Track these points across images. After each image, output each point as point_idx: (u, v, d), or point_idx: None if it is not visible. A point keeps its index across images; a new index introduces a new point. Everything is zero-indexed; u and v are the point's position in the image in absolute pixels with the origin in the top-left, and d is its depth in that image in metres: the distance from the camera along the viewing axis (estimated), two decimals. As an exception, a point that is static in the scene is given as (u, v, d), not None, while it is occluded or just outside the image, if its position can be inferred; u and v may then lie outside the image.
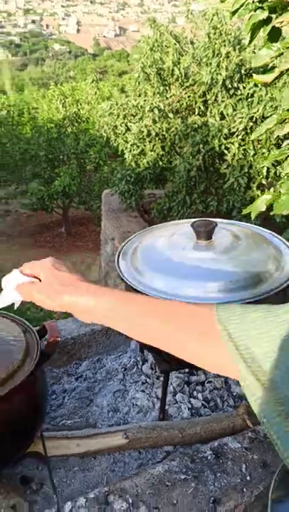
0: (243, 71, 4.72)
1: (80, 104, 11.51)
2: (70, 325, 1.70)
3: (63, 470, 1.30)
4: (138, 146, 5.60)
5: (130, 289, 1.28)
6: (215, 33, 4.79)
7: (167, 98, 5.44)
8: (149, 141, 5.54)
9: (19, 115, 11.65)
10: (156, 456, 1.28)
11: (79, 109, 11.34)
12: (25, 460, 1.24)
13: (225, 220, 1.43)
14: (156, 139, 5.50)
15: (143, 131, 5.43)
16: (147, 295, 1.18)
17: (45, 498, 1.23)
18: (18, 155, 10.73)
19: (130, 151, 5.66)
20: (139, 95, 5.78)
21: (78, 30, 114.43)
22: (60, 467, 1.31)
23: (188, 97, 5.33)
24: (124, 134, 5.87)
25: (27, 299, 0.84)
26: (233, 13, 1.71)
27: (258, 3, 1.60)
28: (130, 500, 1.04)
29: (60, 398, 1.52)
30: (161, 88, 5.48)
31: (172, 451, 1.27)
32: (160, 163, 5.65)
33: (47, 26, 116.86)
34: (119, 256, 1.37)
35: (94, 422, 1.41)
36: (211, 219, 1.31)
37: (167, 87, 5.53)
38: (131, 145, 5.64)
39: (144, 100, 5.38)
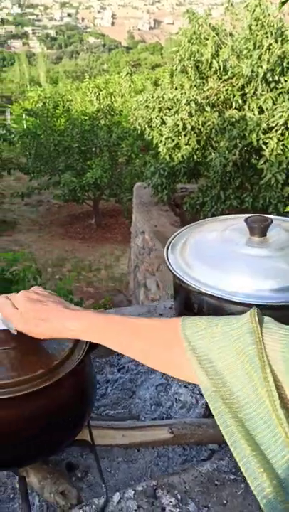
0: (285, 64, 4.60)
1: (114, 97, 11.50)
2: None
3: (107, 460, 1.29)
4: (173, 140, 5.55)
5: (179, 281, 1.26)
6: (257, 25, 4.67)
7: (204, 91, 5.35)
8: (184, 135, 5.48)
9: (54, 107, 11.72)
10: (201, 453, 1.26)
11: (112, 102, 11.33)
12: (70, 447, 1.23)
13: (280, 217, 1.38)
14: (192, 132, 5.44)
15: (178, 125, 5.37)
16: (197, 289, 1.15)
17: (90, 486, 1.22)
18: (52, 146, 10.81)
19: (165, 144, 5.62)
20: (176, 88, 5.72)
21: (113, 23, 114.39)
22: (104, 457, 1.30)
23: (226, 90, 5.24)
24: (159, 127, 5.82)
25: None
26: (283, 3, 1.65)
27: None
28: (179, 497, 1.02)
29: (103, 388, 1.52)
30: (199, 81, 5.40)
31: (217, 449, 1.24)
32: (195, 157, 5.58)
33: (82, 19, 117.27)
34: (168, 249, 1.35)
35: (137, 414, 1.40)
36: (265, 215, 1.27)
37: (205, 80, 5.45)
38: (166, 138, 5.60)
39: (181, 93, 5.32)
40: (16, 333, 0.93)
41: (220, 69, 5.20)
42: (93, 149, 10.75)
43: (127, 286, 8.55)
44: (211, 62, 5.22)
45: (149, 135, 6.14)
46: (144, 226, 6.78)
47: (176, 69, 5.51)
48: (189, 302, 1.27)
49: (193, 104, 5.07)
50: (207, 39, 5.35)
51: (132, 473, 1.25)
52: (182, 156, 5.49)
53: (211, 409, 0.59)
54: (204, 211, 5.49)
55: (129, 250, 8.28)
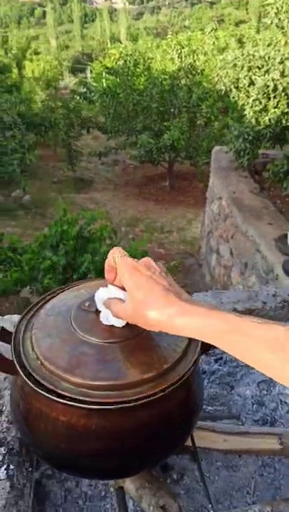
0: None
1: (196, 55, 10.88)
2: (210, 300, 1.52)
3: (205, 462, 1.14)
4: (261, 102, 5.13)
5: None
6: None
7: (301, 49, 4.84)
8: (274, 97, 5.04)
9: (134, 66, 11.34)
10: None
11: (194, 61, 10.73)
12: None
13: None
14: (283, 94, 4.98)
15: (269, 86, 4.94)
16: None
17: (188, 492, 1.08)
18: (131, 106, 10.55)
19: (252, 106, 5.21)
20: (268, 45, 5.21)
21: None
22: (202, 458, 1.15)
23: None
24: (246, 87, 5.39)
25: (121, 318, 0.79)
26: None
27: None
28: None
29: (199, 380, 1.37)
30: (296, 37, 4.87)
31: None
32: (283, 121, 5.13)
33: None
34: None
35: (237, 414, 1.24)
36: None
37: (302, 37, 4.91)
38: (253, 100, 5.18)
39: (275, 50, 4.83)
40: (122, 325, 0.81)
41: None
42: (172, 110, 10.36)
43: (198, 251, 8.36)
44: (311, 16, 4.66)
45: (234, 97, 5.71)
46: (221, 192, 6.48)
47: (271, 23, 4.98)
48: None
49: (287, 63, 4.59)
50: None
51: (234, 482, 1.10)
52: (269, 120, 5.07)
53: None
54: (288, 180, 5.09)
55: (203, 215, 8.03)
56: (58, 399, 0.83)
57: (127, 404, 0.82)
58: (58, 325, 0.94)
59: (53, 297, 1.09)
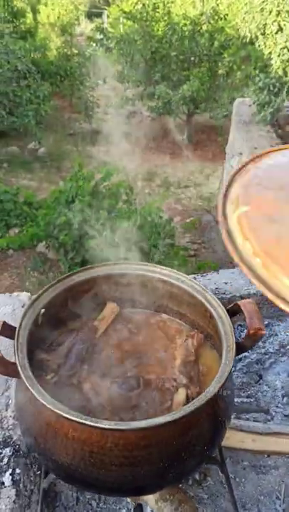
0: None
1: (220, -2, 10.04)
2: (238, 279, 1.34)
3: (231, 461, 1.02)
4: (289, 51, 4.68)
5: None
6: None
7: None
8: (304, 45, 4.59)
9: (153, 10, 10.54)
10: None
11: (217, 4, 9.91)
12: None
13: None
14: (314, 42, 4.53)
15: (299, 32, 4.48)
16: None
17: (212, 496, 0.96)
18: (149, 54, 9.93)
19: (279, 55, 4.78)
20: (301, -13, 4.71)
21: None
22: (227, 456, 1.03)
23: None
24: (274, 34, 4.93)
25: None
26: None
27: None
28: None
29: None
30: None
31: None
32: (312, 72, 4.71)
33: None
34: None
35: (266, 408, 1.10)
36: None
37: None
38: (281, 49, 4.75)
39: (308, -7, 4.35)
40: None
41: None
42: (192, 59, 9.70)
43: (215, 207, 8.09)
44: None
45: (259, 44, 5.25)
46: (242, 147, 6.13)
47: None
48: None
49: None
50: None
51: (262, 486, 0.98)
52: (298, 71, 4.65)
53: None
54: (314, 135, 4.74)
55: (221, 170, 7.69)
56: (66, 415, 0.70)
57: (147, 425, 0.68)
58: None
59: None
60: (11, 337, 0.87)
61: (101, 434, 0.75)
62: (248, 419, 1.18)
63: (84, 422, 0.73)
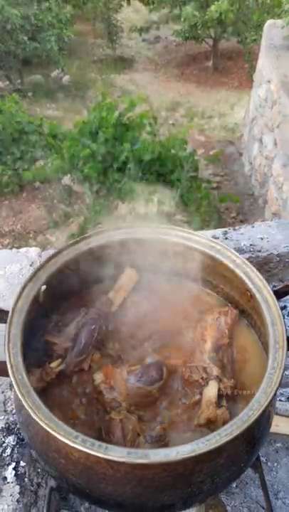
0: None
1: None
2: (275, 234, 1.07)
3: (263, 448, 0.81)
4: None
5: None
6: None
7: None
8: None
9: None
10: None
11: None
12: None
13: None
14: None
15: None
16: None
17: (239, 484, 0.78)
18: None
19: None
20: None
21: None
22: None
23: None
24: None
25: None
26: None
27: None
28: None
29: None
30: None
31: None
32: None
33: None
34: None
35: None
36: None
37: None
38: None
39: None
40: None
41: None
42: (221, -25, 8.50)
43: (239, 138, 7.52)
44: None
45: None
46: (271, 74, 5.48)
47: None
48: None
49: None
50: None
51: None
52: None
53: None
54: None
55: (247, 99, 7.01)
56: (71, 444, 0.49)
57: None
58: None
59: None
60: (3, 321, 0.66)
61: (111, 465, 0.55)
62: (281, 395, 0.99)
63: (86, 451, 0.53)
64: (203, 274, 0.88)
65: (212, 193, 5.80)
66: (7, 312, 0.66)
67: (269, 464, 0.89)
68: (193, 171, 5.25)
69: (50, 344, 0.76)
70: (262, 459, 0.88)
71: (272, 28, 6.01)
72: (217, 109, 8.75)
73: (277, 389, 0.59)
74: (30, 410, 0.56)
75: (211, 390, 0.73)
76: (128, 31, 11.02)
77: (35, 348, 0.68)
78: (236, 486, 0.85)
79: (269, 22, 6.21)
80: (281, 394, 0.97)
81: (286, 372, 1.05)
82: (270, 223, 1.16)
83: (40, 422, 0.54)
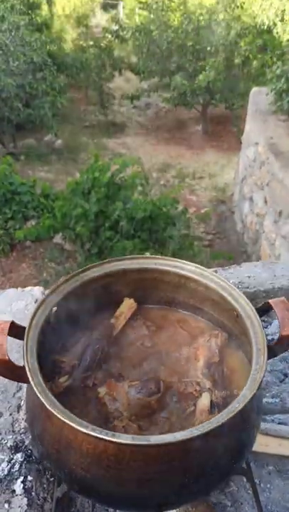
0: None
1: (236, -13, 9.73)
2: (261, 273, 1.24)
3: (255, 466, 0.92)
4: (309, 37, 4.48)
5: None
6: None
7: None
8: None
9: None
10: None
11: (234, -7, 9.62)
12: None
13: None
14: None
15: None
16: None
17: (235, 504, 0.87)
18: (165, 44, 9.71)
19: (298, 42, 4.57)
20: None
21: None
22: (251, 460, 0.93)
23: None
24: (293, 20, 4.73)
25: None
26: None
27: None
28: None
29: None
30: None
31: None
32: None
33: None
34: None
35: (293, 411, 1.00)
36: None
37: None
38: (300, 35, 4.54)
39: None
40: None
41: None
42: (208, 48, 9.47)
43: (230, 197, 7.95)
44: None
45: (278, 31, 5.05)
46: (258, 137, 5.97)
47: None
48: None
49: None
50: None
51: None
52: None
53: None
54: None
55: (237, 160, 7.52)
56: (81, 429, 0.61)
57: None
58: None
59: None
60: (20, 337, 0.79)
61: (118, 448, 0.66)
62: (272, 421, 1.09)
63: (98, 436, 0.65)
64: (195, 302, 1.03)
65: (204, 251, 6.04)
66: (24, 328, 0.80)
67: (262, 485, 0.98)
68: (185, 228, 5.50)
69: (58, 362, 0.88)
70: (256, 480, 0.97)
71: (257, 95, 6.63)
72: (207, 170, 9.29)
73: (260, 385, 0.72)
74: (47, 404, 0.67)
75: (204, 400, 0.85)
76: (119, 98, 11.93)
77: (44, 365, 0.80)
78: (231, 505, 0.94)
79: (254, 89, 6.86)
80: (272, 420, 1.08)
81: (276, 400, 1.16)
82: (256, 263, 1.34)
83: (56, 413, 0.66)
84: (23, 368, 0.73)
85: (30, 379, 0.71)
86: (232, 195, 7.84)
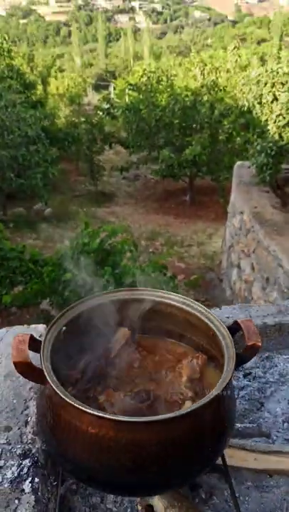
0: None
1: (219, 72, 10.96)
2: (238, 313, 1.49)
3: (234, 481, 1.10)
4: (284, 117, 5.09)
5: None
6: None
7: None
8: (298, 112, 5.00)
9: (157, 82, 11.47)
10: None
11: (217, 77, 10.81)
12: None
13: None
14: (307, 110, 4.95)
15: (293, 101, 4.91)
16: None
17: None
18: (153, 122, 10.66)
19: (275, 122, 5.20)
20: (292, 62, 5.22)
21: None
22: (231, 476, 1.12)
23: None
24: (270, 103, 5.38)
25: None
26: None
27: None
28: None
29: (227, 395, 1.33)
30: None
31: None
32: (307, 136, 5.10)
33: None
34: None
35: (267, 432, 1.20)
36: None
37: None
38: (276, 116, 5.16)
39: (299, 67, 4.83)
40: None
41: None
42: (194, 126, 10.42)
43: (218, 265, 8.29)
44: None
45: (256, 112, 5.70)
46: (243, 206, 6.44)
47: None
48: None
49: (311, 79, 4.58)
50: None
51: (265, 503, 1.06)
52: (293, 135, 5.03)
53: None
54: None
55: (224, 229, 7.98)
56: (87, 410, 0.81)
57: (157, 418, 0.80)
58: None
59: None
60: (36, 350, 1.00)
61: (117, 429, 0.86)
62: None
63: (103, 415, 0.85)
64: (179, 329, 1.26)
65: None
66: (39, 342, 1.01)
67: (241, 498, 1.15)
68: (174, 294, 5.72)
69: (64, 375, 1.08)
70: (236, 494, 1.14)
71: (241, 168, 7.25)
72: (196, 238, 9.73)
73: (229, 381, 0.93)
74: (62, 394, 0.88)
75: (187, 406, 1.04)
76: (109, 170, 12.71)
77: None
78: (209, 507, 1.10)
79: (238, 163, 7.50)
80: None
81: (253, 425, 1.34)
82: (234, 306, 1.58)
83: (69, 400, 0.86)
84: (41, 370, 0.94)
85: (47, 377, 0.92)
86: (220, 263, 8.18)
